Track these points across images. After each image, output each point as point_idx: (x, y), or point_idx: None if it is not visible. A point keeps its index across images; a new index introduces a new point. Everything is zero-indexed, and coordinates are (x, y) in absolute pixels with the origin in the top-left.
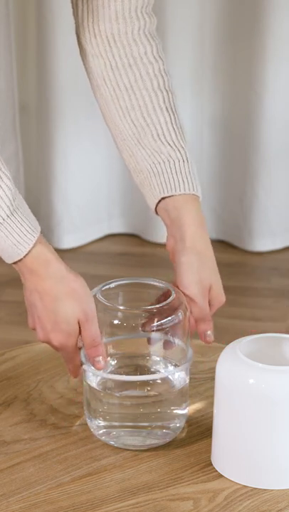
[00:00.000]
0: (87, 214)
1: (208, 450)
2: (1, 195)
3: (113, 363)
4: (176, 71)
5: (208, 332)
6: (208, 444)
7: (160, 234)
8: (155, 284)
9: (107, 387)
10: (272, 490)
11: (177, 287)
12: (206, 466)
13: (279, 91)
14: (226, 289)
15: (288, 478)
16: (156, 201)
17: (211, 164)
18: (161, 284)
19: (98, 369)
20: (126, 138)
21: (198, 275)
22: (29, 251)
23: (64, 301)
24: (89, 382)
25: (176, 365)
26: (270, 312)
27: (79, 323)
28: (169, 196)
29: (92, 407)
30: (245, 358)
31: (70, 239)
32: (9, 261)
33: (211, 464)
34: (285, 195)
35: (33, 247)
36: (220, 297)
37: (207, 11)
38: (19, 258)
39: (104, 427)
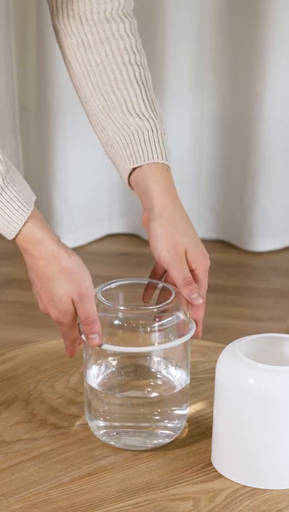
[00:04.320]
0: (87, 214)
1: (208, 450)
2: None
3: (114, 363)
4: (176, 71)
5: (194, 295)
6: (208, 444)
7: None
8: (155, 284)
9: (108, 388)
10: (272, 490)
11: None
12: (206, 466)
13: (279, 91)
14: (226, 289)
15: (288, 478)
16: (128, 174)
17: (211, 164)
18: (161, 285)
19: (93, 346)
20: (96, 113)
21: (169, 241)
22: (19, 231)
23: (56, 281)
24: (90, 383)
25: (176, 366)
26: (270, 312)
27: (73, 301)
28: (139, 167)
29: (92, 407)
30: (245, 358)
31: (70, 239)
32: (9, 237)
33: (211, 464)
34: (285, 195)
35: (23, 227)
36: (201, 259)
37: (207, 11)
38: (13, 235)
39: (105, 427)
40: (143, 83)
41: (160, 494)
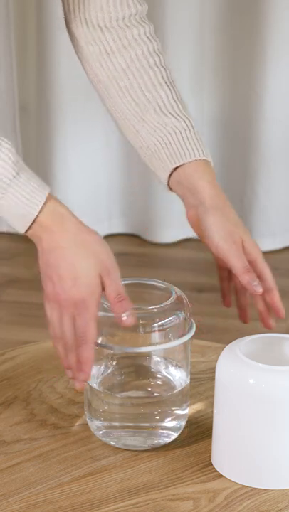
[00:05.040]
0: (87, 214)
1: (208, 450)
2: (3, 157)
3: (114, 363)
4: (176, 71)
5: (255, 283)
6: (208, 444)
7: (160, 234)
8: (155, 284)
9: (108, 388)
10: (272, 490)
11: (212, 252)
12: (206, 466)
13: (279, 91)
14: None
15: (288, 478)
16: (168, 174)
17: None
18: (161, 285)
19: (127, 326)
20: (128, 117)
21: (225, 231)
22: (42, 207)
23: (83, 255)
24: (90, 383)
25: (176, 366)
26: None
27: (100, 278)
28: (180, 166)
29: (92, 408)
30: (245, 358)
31: None
32: (22, 227)
33: (211, 464)
34: (285, 195)
35: (45, 203)
36: (256, 249)
37: (207, 11)
38: (33, 218)
39: (105, 428)
40: (171, 84)
41: (160, 494)
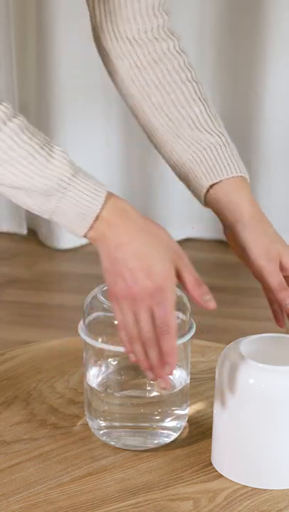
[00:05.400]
0: None
1: (208, 450)
2: (59, 158)
3: (114, 363)
4: None
5: (288, 301)
6: (208, 444)
7: None
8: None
9: (108, 388)
10: (272, 490)
11: (250, 267)
12: (206, 466)
13: (279, 91)
14: (226, 289)
15: (288, 478)
16: (205, 191)
17: None
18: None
19: (211, 309)
20: (162, 134)
21: (262, 248)
22: (103, 204)
23: (152, 244)
24: (90, 383)
25: (176, 365)
26: (270, 312)
27: (173, 263)
28: (217, 183)
29: (92, 408)
30: (245, 357)
31: (70, 239)
32: (82, 228)
33: (211, 464)
34: (285, 195)
35: (106, 200)
36: None
37: (207, 11)
38: (95, 215)
39: (105, 427)
40: (204, 98)
41: (160, 494)
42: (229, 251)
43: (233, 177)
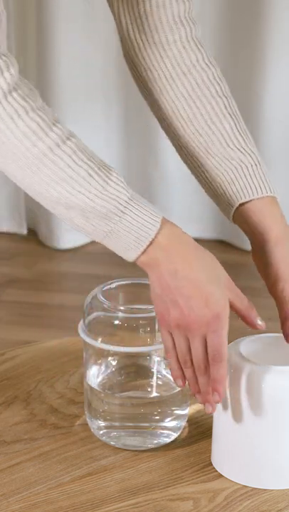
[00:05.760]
0: None
1: (208, 450)
2: (116, 181)
3: (114, 363)
4: None
5: None
6: (208, 444)
7: None
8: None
9: (108, 388)
10: (272, 490)
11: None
12: (206, 466)
13: (279, 91)
14: None
15: (288, 478)
16: (234, 209)
17: None
18: None
19: (262, 328)
20: (192, 149)
21: (286, 270)
22: (160, 228)
23: (209, 272)
24: (90, 383)
25: None
26: (270, 312)
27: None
28: (247, 202)
29: (92, 407)
30: (245, 358)
31: (70, 239)
32: (135, 252)
33: (211, 464)
34: (285, 195)
35: (162, 224)
36: None
37: (207, 11)
38: (150, 239)
39: (105, 427)
40: (234, 114)
41: (160, 494)
42: (229, 251)
43: (263, 197)
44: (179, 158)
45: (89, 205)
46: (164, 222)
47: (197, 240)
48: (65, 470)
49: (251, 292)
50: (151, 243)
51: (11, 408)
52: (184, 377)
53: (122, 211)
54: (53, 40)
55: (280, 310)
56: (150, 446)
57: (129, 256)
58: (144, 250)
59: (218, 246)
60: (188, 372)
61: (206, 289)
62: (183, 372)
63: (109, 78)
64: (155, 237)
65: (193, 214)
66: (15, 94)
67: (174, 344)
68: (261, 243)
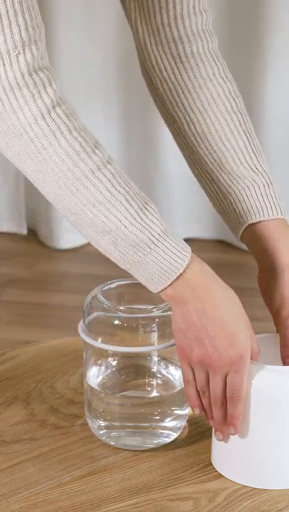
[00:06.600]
0: None
1: (208, 450)
2: (152, 213)
3: (114, 363)
4: None
5: None
6: (208, 444)
7: None
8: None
9: (108, 388)
10: (272, 490)
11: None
12: (206, 466)
13: (279, 91)
14: None
15: (288, 478)
16: (243, 228)
17: None
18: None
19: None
20: (206, 164)
21: None
22: (189, 263)
23: (235, 311)
24: (89, 383)
25: (176, 366)
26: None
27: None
28: (257, 223)
29: (92, 407)
30: None
31: (70, 239)
32: (160, 284)
33: (211, 464)
34: (285, 195)
35: (192, 260)
36: None
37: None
38: (178, 274)
39: (105, 427)
40: (249, 131)
41: (160, 494)
42: (229, 251)
43: (274, 219)
44: (179, 157)
45: (122, 231)
46: (193, 257)
47: (197, 239)
48: (65, 470)
49: (251, 292)
50: (178, 278)
51: (11, 408)
52: (202, 407)
53: (154, 243)
54: (53, 40)
55: (283, 338)
56: (150, 446)
57: (154, 288)
58: (171, 284)
59: (218, 246)
60: (205, 401)
61: (230, 329)
62: (201, 402)
63: (109, 78)
64: (184, 271)
65: (193, 214)
66: (58, 110)
67: (194, 376)
68: (269, 267)
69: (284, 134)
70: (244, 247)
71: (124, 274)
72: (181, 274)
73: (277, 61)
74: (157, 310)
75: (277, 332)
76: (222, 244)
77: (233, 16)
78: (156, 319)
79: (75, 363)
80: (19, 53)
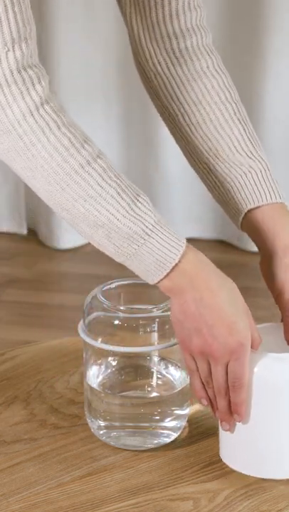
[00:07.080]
0: None
1: (208, 450)
2: (144, 204)
3: (114, 363)
4: None
5: None
6: (208, 444)
7: None
8: None
9: (108, 388)
10: (272, 490)
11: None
12: (206, 466)
13: (279, 91)
14: None
15: None
16: (242, 215)
17: None
18: None
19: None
20: (202, 153)
21: None
22: (183, 254)
23: (232, 300)
24: (90, 383)
25: (176, 366)
26: (270, 312)
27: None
28: (255, 208)
29: (92, 408)
30: None
31: (70, 239)
32: (157, 276)
33: (211, 464)
34: (285, 195)
35: (186, 250)
36: None
37: (207, 11)
38: (173, 264)
39: (105, 427)
40: (243, 120)
41: (160, 494)
42: (229, 251)
43: (272, 203)
44: (179, 157)
45: (115, 224)
46: (188, 247)
47: (197, 239)
48: (65, 470)
49: (251, 292)
50: (174, 268)
51: (11, 408)
52: (208, 397)
53: (147, 234)
54: (53, 40)
55: (286, 322)
56: (150, 446)
57: (151, 279)
58: (167, 275)
59: (218, 246)
60: (210, 392)
61: (229, 318)
62: (206, 393)
63: (109, 78)
64: (179, 261)
65: (193, 214)
66: (47, 107)
67: (197, 367)
68: (269, 252)
69: (284, 134)
70: (244, 246)
71: (124, 274)
72: (176, 265)
73: (277, 61)
74: (157, 310)
75: (282, 321)
76: (222, 244)
77: (233, 15)
78: (157, 319)
79: (75, 363)
80: (9, 50)
